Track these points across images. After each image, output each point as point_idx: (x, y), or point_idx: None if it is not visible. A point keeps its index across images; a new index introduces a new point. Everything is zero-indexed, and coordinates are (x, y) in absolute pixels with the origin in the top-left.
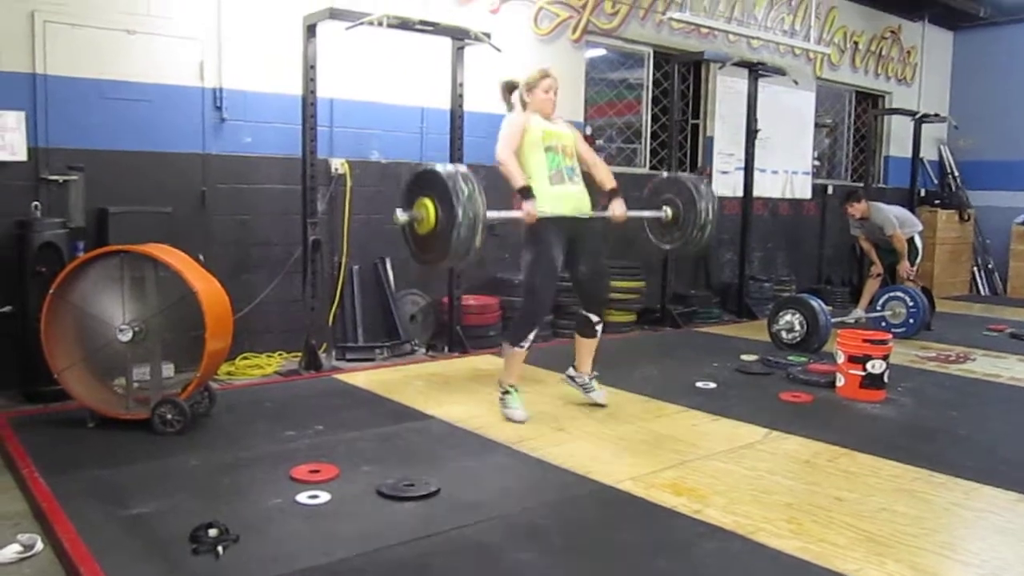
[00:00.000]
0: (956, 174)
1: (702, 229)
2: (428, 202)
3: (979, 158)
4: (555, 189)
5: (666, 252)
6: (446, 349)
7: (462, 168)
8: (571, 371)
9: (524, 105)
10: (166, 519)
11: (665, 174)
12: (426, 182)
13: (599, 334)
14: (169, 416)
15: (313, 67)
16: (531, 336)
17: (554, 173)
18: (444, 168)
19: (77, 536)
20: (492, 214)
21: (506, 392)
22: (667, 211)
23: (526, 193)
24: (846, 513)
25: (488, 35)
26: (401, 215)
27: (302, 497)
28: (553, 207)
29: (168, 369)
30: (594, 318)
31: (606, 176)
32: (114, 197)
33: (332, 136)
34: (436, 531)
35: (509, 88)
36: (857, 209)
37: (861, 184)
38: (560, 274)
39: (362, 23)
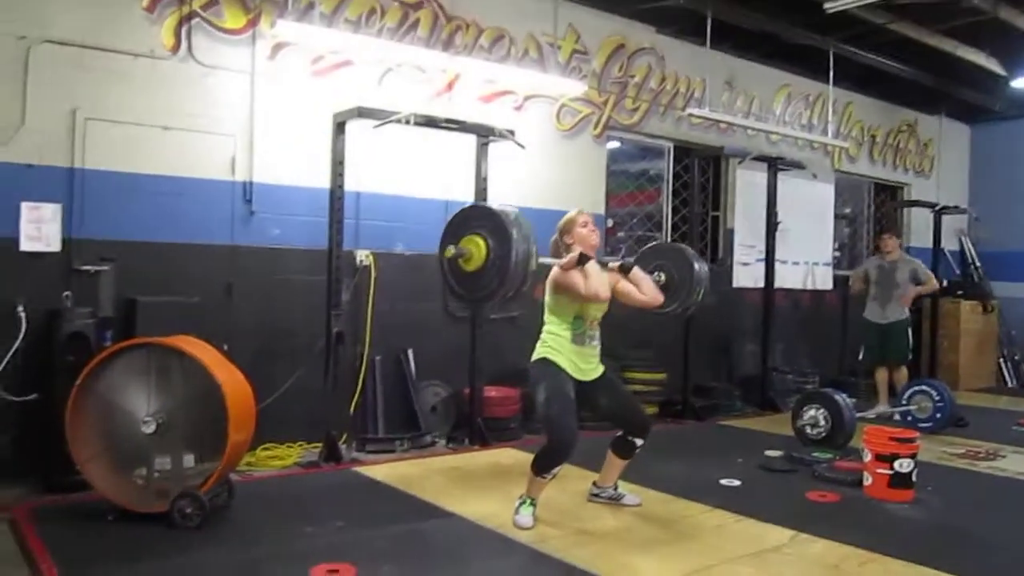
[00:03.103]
0: (978, 265)
1: (691, 303)
2: (477, 238)
3: (1001, 249)
4: (573, 347)
5: (667, 315)
6: (467, 441)
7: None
8: (594, 488)
9: (567, 249)
10: None
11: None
12: (474, 218)
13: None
14: (188, 510)
15: (341, 163)
16: (556, 470)
17: (577, 335)
18: (498, 208)
19: None
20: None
21: (522, 502)
22: (660, 276)
23: (583, 259)
24: None
25: (512, 132)
26: (451, 249)
27: None
28: (569, 363)
29: (189, 459)
30: (638, 442)
31: (651, 292)
32: (143, 287)
33: (358, 228)
34: None
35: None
36: (891, 244)
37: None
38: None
39: (390, 121)
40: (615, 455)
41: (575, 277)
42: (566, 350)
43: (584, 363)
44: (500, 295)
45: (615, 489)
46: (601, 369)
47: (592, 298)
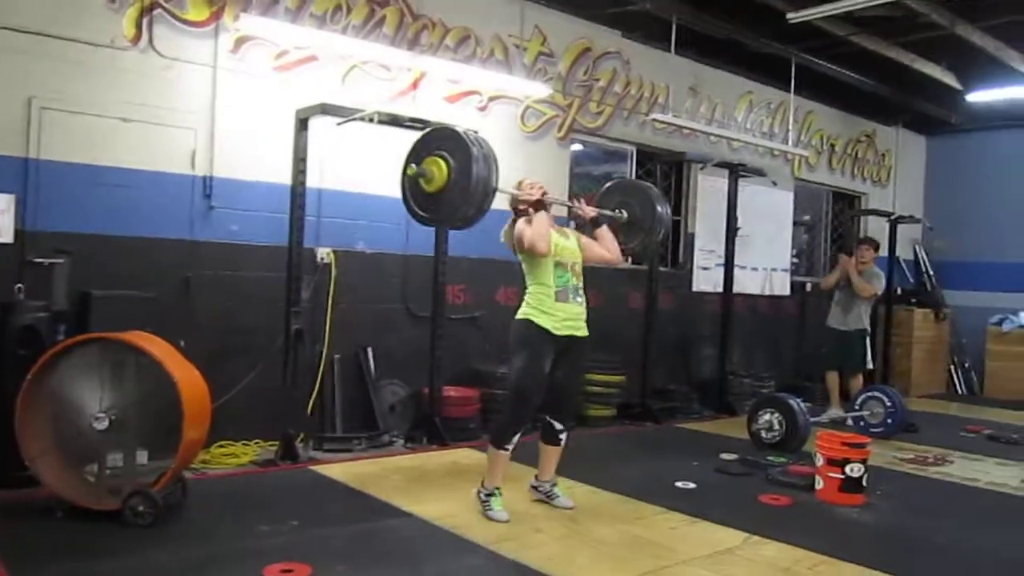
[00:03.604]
0: (931, 274)
1: (651, 243)
2: (439, 159)
3: (954, 258)
4: (558, 305)
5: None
6: (425, 441)
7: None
8: (533, 481)
9: (522, 214)
10: None
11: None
12: (436, 140)
13: (563, 443)
14: (140, 508)
15: (303, 159)
16: (515, 439)
17: (560, 291)
18: (461, 129)
19: None
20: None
21: (490, 494)
22: (623, 213)
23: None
24: None
25: (476, 132)
26: (413, 168)
27: None
28: (552, 323)
29: (142, 456)
30: (558, 426)
31: (614, 249)
32: (99, 281)
33: (319, 226)
34: None
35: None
36: (867, 255)
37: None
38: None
39: (353, 119)
40: (544, 444)
41: (521, 226)
42: (550, 308)
43: (568, 320)
44: (462, 213)
45: (552, 487)
46: (585, 332)
47: (528, 243)
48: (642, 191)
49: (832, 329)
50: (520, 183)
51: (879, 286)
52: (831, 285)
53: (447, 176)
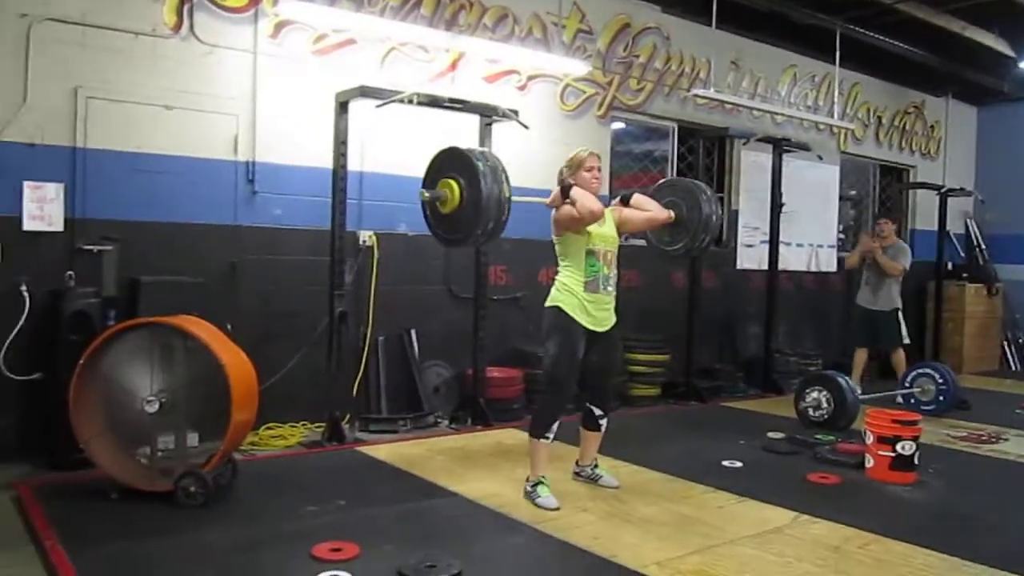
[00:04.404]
0: (983, 248)
1: (695, 248)
2: (451, 181)
3: (1006, 232)
4: (587, 295)
5: (671, 254)
6: (469, 422)
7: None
8: (575, 467)
9: None
10: None
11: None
12: (446, 162)
13: (603, 428)
14: (192, 489)
15: (344, 142)
16: (554, 427)
17: (590, 280)
18: (465, 147)
19: None
20: (515, 198)
21: (536, 484)
22: (671, 213)
23: (566, 190)
24: None
25: (516, 112)
26: (425, 193)
27: None
28: (584, 314)
29: (193, 439)
30: (598, 412)
31: (654, 207)
32: (146, 267)
33: (361, 209)
34: None
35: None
36: (887, 229)
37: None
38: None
39: (393, 101)
40: (584, 429)
41: (566, 208)
42: (580, 299)
43: (598, 312)
44: (480, 229)
45: (593, 468)
46: (614, 320)
47: (587, 216)
48: (693, 194)
49: (860, 307)
50: (584, 159)
51: (906, 262)
52: (853, 264)
53: (459, 195)
